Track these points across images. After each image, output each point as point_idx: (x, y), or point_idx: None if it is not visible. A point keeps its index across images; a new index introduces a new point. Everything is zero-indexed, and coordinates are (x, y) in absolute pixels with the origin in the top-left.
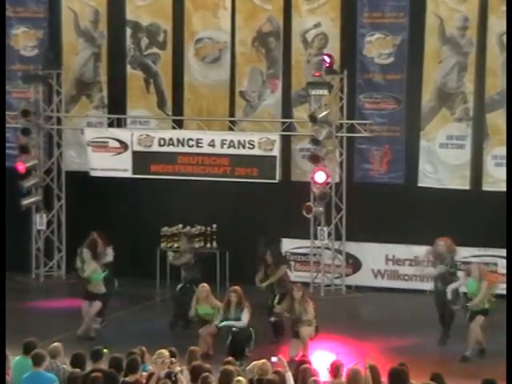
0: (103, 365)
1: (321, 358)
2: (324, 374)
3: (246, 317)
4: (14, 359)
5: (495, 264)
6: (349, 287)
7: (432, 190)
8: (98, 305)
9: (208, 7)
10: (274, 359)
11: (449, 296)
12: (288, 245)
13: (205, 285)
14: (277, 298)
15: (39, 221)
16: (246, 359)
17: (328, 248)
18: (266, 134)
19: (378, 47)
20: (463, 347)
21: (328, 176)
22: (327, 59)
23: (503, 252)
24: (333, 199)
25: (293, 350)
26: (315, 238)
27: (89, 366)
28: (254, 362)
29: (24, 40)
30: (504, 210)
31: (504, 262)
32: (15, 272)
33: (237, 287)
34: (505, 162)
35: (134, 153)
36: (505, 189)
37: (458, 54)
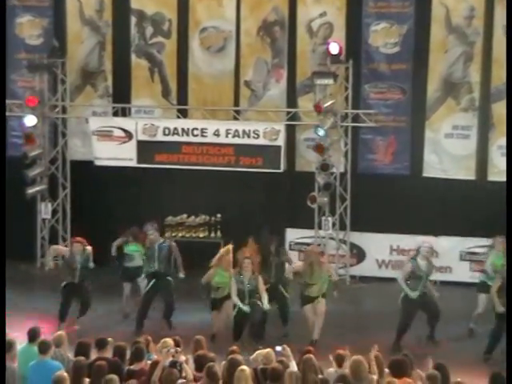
0: (108, 353)
1: (325, 349)
2: (329, 364)
3: (265, 297)
4: (20, 347)
5: None
6: (353, 277)
7: (437, 181)
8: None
9: None
10: (278, 348)
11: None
12: (292, 235)
13: (230, 247)
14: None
15: (44, 210)
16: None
17: (332, 238)
18: (271, 124)
19: (383, 37)
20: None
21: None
22: (333, 49)
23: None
24: (337, 189)
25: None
26: (319, 228)
27: (93, 355)
28: (258, 351)
29: (29, 29)
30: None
31: None
32: (20, 261)
33: (249, 252)
34: None
35: (139, 142)
36: None
37: (464, 44)
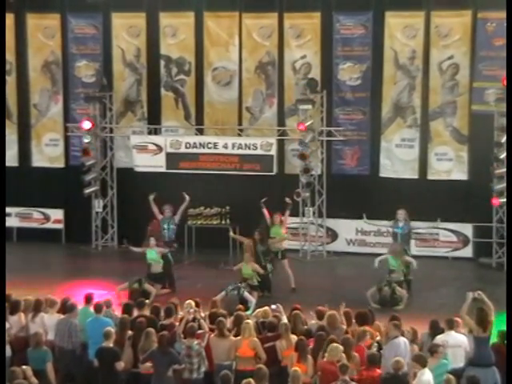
0: (146, 312)
1: (308, 305)
2: (311, 317)
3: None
4: (80, 308)
5: (437, 234)
6: (328, 252)
7: (390, 179)
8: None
9: (221, 44)
10: (273, 307)
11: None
12: None
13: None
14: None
15: (97, 205)
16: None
17: (313, 223)
18: (266, 139)
19: (348, 73)
20: None
21: None
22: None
23: (443, 225)
24: (316, 187)
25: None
26: (303, 215)
27: (135, 313)
28: (258, 309)
29: (85, 70)
30: (443, 193)
31: (442, 232)
32: (80, 243)
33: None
34: (443, 157)
35: (167, 153)
36: (444, 178)
37: (409, 78)
